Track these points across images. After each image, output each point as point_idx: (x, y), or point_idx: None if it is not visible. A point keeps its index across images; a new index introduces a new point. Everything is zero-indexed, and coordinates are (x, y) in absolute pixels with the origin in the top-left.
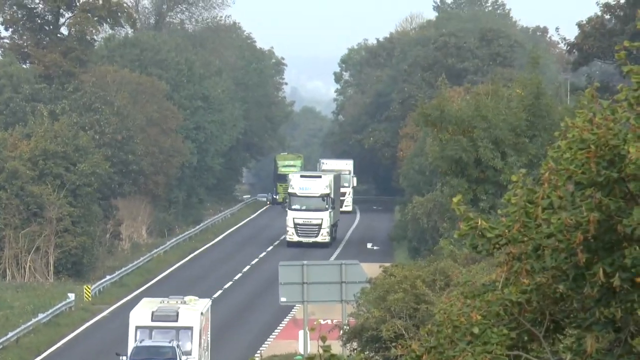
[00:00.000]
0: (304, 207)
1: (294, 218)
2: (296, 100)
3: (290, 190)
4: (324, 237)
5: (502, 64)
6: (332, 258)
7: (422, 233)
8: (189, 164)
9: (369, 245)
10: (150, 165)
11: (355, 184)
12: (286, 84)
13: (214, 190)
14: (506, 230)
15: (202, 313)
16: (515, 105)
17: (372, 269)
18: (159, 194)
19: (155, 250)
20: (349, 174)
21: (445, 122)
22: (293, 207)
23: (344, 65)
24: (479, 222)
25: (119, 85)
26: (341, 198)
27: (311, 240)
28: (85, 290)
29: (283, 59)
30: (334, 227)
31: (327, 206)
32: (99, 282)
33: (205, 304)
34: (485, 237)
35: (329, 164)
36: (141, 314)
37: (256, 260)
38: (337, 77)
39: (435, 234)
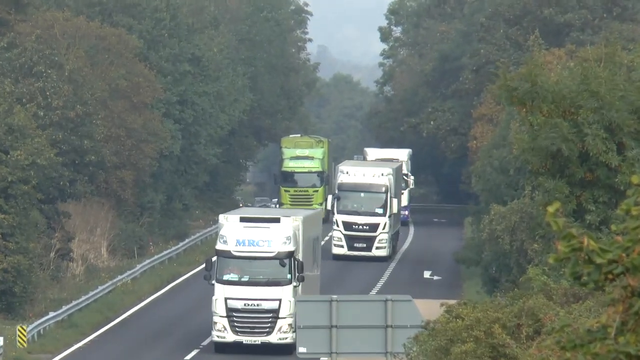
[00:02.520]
0: (245, 278)
1: (226, 299)
2: (325, 64)
3: (219, 247)
4: (282, 333)
5: (621, 17)
6: (374, 291)
7: (502, 257)
8: (169, 153)
9: (427, 274)
10: (115, 155)
11: (395, 210)
12: (310, 40)
13: (206, 191)
14: (623, 254)
15: None
16: (638, 77)
17: (430, 308)
18: (126, 196)
19: (120, 277)
20: (385, 191)
21: (539, 99)
22: (225, 277)
23: (393, 17)
24: (585, 242)
25: (72, 39)
26: (371, 234)
27: (259, 340)
28: (19, 333)
29: (307, 4)
30: None
31: (288, 276)
32: (38, 322)
33: None
34: (593, 264)
35: (351, 173)
36: None
37: None
38: (384, 34)
39: (521, 258)
